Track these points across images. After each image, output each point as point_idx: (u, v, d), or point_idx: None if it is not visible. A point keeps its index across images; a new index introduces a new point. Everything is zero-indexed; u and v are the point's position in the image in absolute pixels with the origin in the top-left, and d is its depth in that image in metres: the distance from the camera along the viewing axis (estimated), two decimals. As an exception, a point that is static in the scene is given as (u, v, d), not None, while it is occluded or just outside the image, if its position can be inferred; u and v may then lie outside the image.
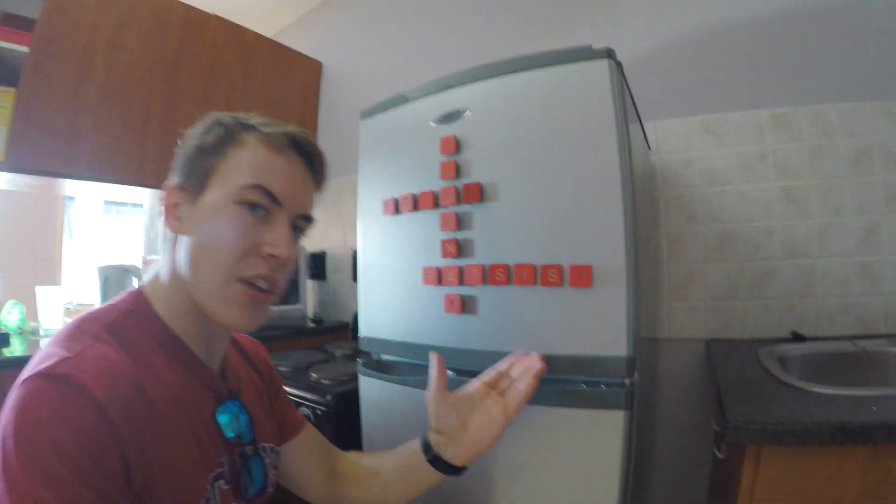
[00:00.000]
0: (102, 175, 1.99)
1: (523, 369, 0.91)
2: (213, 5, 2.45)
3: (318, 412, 1.37)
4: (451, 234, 1.06)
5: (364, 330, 1.24)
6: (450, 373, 0.93)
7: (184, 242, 0.69)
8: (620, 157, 0.90)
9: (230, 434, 0.72)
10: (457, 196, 1.05)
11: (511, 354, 0.94)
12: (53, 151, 1.82)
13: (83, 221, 3.40)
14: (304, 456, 0.94)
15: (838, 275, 1.49)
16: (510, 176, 1.00)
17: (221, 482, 0.69)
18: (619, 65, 0.96)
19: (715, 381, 1.13)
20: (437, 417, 0.89)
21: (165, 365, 0.66)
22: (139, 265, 2.53)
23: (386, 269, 1.19)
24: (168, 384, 0.64)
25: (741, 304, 1.61)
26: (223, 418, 0.72)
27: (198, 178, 0.69)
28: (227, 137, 0.70)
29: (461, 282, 1.04)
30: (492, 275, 1.00)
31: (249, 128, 0.71)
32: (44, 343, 1.83)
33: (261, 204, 0.68)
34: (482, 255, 1.02)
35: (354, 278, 2.46)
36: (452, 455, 0.87)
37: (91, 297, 2.53)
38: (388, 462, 0.94)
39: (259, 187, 0.68)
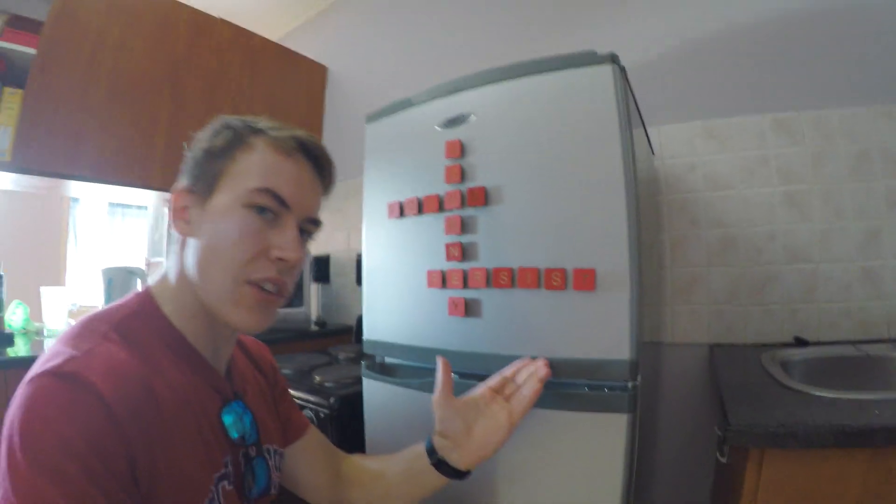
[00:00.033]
0: (108, 177, 2.01)
1: (528, 375, 0.91)
2: (219, 9, 2.47)
3: (322, 415, 1.38)
4: (455, 238, 1.06)
5: (368, 333, 1.25)
6: (454, 376, 0.93)
7: (192, 245, 0.69)
8: (624, 162, 0.91)
9: (234, 435, 0.72)
10: (461, 200, 1.05)
11: (517, 361, 0.95)
12: (59, 153, 1.84)
13: (88, 223, 3.41)
14: (308, 458, 0.94)
15: (840, 279, 1.49)
16: (515, 180, 1.01)
17: (225, 483, 0.69)
18: (622, 70, 0.97)
19: (717, 386, 1.13)
20: (443, 421, 0.89)
21: (172, 365, 0.66)
22: (143, 267, 2.54)
23: (390, 272, 1.20)
24: (174, 384, 0.64)
25: (744, 309, 1.61)
26: (228, 419, 0.72)
27: (206, 182, 0.70)
28: (236, 141, 0.70)
29: (465, 285, 1.04)
30: (496, 278, 1.00)
31: (258, 131, 0.71)
32: (48, 343, 1.85)
33: (269, 207, 0.69)
34: (486, 259, 1.03)
35: (358, 282, 2.48)
36: (457, 459, 0.88)
37: (95, 299, 2.54)
38: (393, 465, 0.94)
39: (267, 191, 0.68)
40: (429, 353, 1.09)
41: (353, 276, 2.55)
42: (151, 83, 2.12)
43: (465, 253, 1.05)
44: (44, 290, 2.16)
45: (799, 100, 1.55)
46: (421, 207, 1.12)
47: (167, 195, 2.29)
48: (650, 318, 1.25)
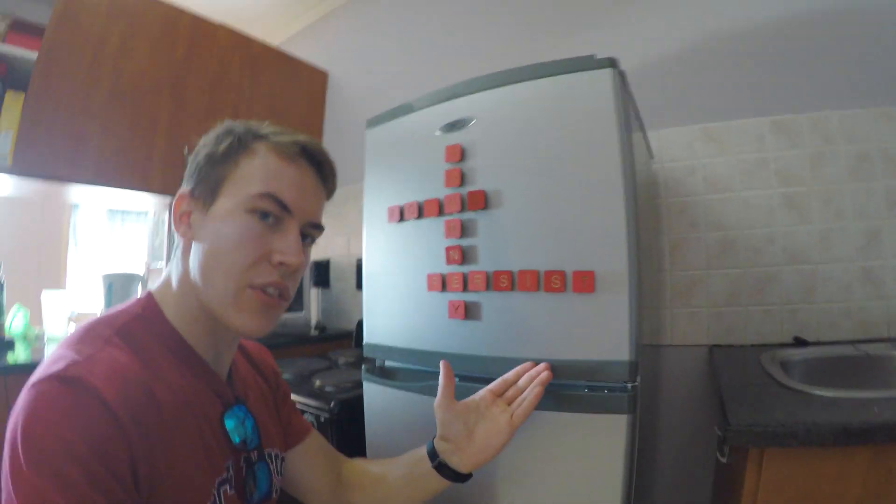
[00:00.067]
0: (109, 181, 2.01)
1: (530, 378, 0.92)
2: (219, 14, 2.47)
3: (322, 419, 1.38)
4: (455, 241, 1.07)
5: (368, 336, 1.25)
6: (454, 379, 0.93)
7: (195, 250, 0.70)
8: (623, 165, 0.91)
9: (236, 439, 0.73)
10: (461, 203, 1.06)
11: (519, 366, 0.95)
12: (61, 156, 1.84)
13: (88, 229, 3.42)
14: (310, 462, 0.94)
15: (840, 280, 1.49)
16: (514, 184, 1.01)
17: (227, 487, 0.69)
18: (621, 74, 0.97)
19: (717, 387, 1.14)
20: (444, 425, 0.90)
21: (174, 369, 0.67)
22: (144, 273, 2.54)
23: (391, 276, 1.20)
24: (177, 389, 0.65)
25: (743, 310, 1.62)
26: (230, 423, 0.73)
27: (209, 187, 0.70)
28: (239, 146, 0.71)
29: (465, 288, 1.05)
30: (496, 281, 1.01)
31: (260, 137, 0.72)
32: (48, 348, 1.85)
33: (271, 212, 0.69)
34: (486, 262, 1.03)
35: (358, 286, 2.49)
36: (458, 462, 0.88)
37: (95, 305, 2.54)
38: (394, 469, 0.94)
39: (270, 196, 0.69)
40: (429, 357, 1.10)
41: (353, 281, 2.56)
42: (152, 87, 2.12)
43: (464, 256, 1.06)
44: (45, 294, 2.16)
45: (798, 102, 1.56)
46: (421, 211, 1.12)
47: (168, 200, 2.32)
48: (649, 321, 1.26)
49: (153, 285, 0.75)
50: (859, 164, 1.48)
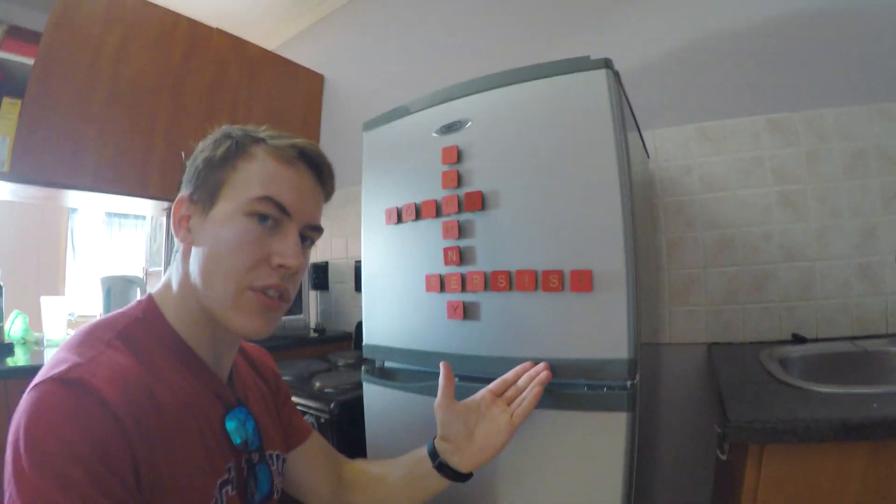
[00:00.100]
0: (106, 186, 2.01)
1: (529, 379, 0.92)
2: (216, 19, 2.48)
3: (322, 420, 1.38)
4: (453, 242, 1.07)
5: (368, 337, 1.25)
6: (454, 378, 0.94)
7: (195, 253, 0.70)
8: (619, 165, 0.92)
9: (237, 441, 0.73)
10: (458, 204, 1.06)
11: (518, 366, 0.96)
12: (58, 162, 1.84)
13: (86, 233, 3.42)
14: (311, 463, 0.94)
15: (837, 277, 1.50)
16: (511, 184, 1.02)
17: (228, 488, 0.69)
18: (616, 74, 0.98)
19: (717, 384, 1.14)
20: (444, 425, 0.90)
21: (175, 372, 0.67)
22: (142, 277, 2.54)
23: (389, 277, 1.20)
24: (177, 391, 0.65)
25: (741, 308, 1.62)
26: (231, 425, 0.73)
27: (208, 191, 0.70)
28: (237, 150, 0.71)
29: (463, 289, 1.05)
30: (494, 281, 1.01)
31: (258, 140, 0.72)
32: (47, 353, 1.85)
33: (270, 215, 0.69)
34: (484, 262, 1.04)
35: (357, 288, 2.49)
36: (459, 462, 0.88)
37: (94, 309, 2.54)
38: (395, 469, 0.95)
39: (268, 199, 0.69)
40: (428, 357, 1.10)
41: (352, 283, 2.56)
42: (149, 92, 2.13)
43: (462, 257, 1.06)
44: (44, 299, 2.17)
45: (793, 100, 1.57)
46: (419, 213, 1.13)
47: (166, 205, 2.32)
48: (648, 320, 1.26)
49: (153, 288, 0.75)
50: (855, 161, 1.49)
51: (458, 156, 1.08)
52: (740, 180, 1.63)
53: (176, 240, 0.73)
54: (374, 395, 1.22)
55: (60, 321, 2.16)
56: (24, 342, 2.06)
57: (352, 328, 2.43)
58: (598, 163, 0.93)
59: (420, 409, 1.07)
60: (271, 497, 0.80)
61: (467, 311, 1.05)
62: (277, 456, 0.85)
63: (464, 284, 1.05)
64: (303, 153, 0.74)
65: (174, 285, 0.73)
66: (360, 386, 1.27)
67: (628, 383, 0.90)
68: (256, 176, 0.70)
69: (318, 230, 0.78)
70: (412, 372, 1.17)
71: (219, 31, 2.43)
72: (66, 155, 1.86)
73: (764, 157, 1.60)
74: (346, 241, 2.69)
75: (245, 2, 2.83)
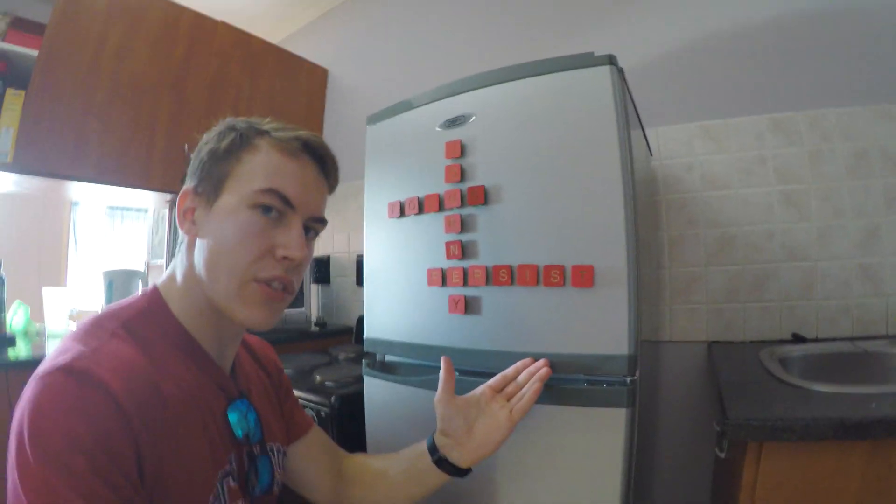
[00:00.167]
0: (109, 178, 2.01)
1: (529, 374, 0.92)
2: (220, 12, 2.47)
3: (323, 414, 1.39)
4: (455, 237, 1.07)
5: (369, 331, 1.26)
6: (455, 372, 0.94)
7: (199, 246, 0.70)
8: (622, 162, 0.92)
9: (239, 433, 0.73)
10: (461, 199, 1.07)
11: (518, 362, 0.96)
12: (61, 154, 1.84)
13: (88, 226, 3.42)
14: (311, 457, 0.95)
15: (838, 277, 1.50)
16: (514, 179, 1.02)
17: (230, 480, 0.70)
18: (620, 71, 0.98)
19: (716, 383, 1.14)
20: (444, 420, 0.90)
21: (179, 363, 0.67)
22: (144, 269, 2.55)
23: (391, 271, 1.21)
24: (181, 382, 0.65)
25: (742, 307, 1.63)
26: (233, 417, 0.73)
27: (212, 183, 0.71)
28: (241, 142, 0.71)
29: (465, 283, 1.05)
30: (495, 276, 1.01)
31: (263, 133, 0.72)
32: (49, 344, 1.85)
33: (274, 207, 0.70)
34: (486, 257, 1.04)
35: (358, 282, 2.50)
36: (458, 457, 0.89)
37: (95, 302, 2.54)
38: (395, 464, 0.95)
39: (273, 191, 0.69)
40: (429, 351, 1.10)
41: (353, 277, 2.56)
42: (152, 85, 2.13)
43: (464, 251, 1.06)
44: (45, 290, 2.17)
45: (796, 100, 1.57)
46: (421, 207, 1.13)
47: (168, 197, 2.32)
48: (648, 317, 1.26)
49: (158, 280, 0.76)
50: (857, 161, 1.49)
51: (461, 150, 1.08)
52: (742, 179, 1.63)
53: (180, 232, 0.73)
54: (375, 389, 1.23)
55: (62, 313, 2.16)
56: (26, 333, 2.06)
57: (353, 322, 2.43)
58: (601, 159, 0.93)
59: (421, 403, 1.07)
60: (271, 490, 0.81)
61: (469, 306, 1.05)
62: (278, 449, 0.85)
63: (465, 279, 1.05)
64: (307, 145, 0.74)
65: (179, 277, 0.73)
66: (360, 380, 1.27)
67: (628, 379, 0.90)
68: (260, 168, 0.70)
69: (322, 222, 0.78)
70: (413, 366, 1.17)
71: (223, 24, 2.43)
72: (69, 146, 1.86)
73: (766, 156, 1.60)
74: (349, 235, 2.69)
75: (249, -4, 2.83)
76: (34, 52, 1.79)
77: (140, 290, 1.87)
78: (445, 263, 1.09)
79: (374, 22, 2.77)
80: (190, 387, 0.67)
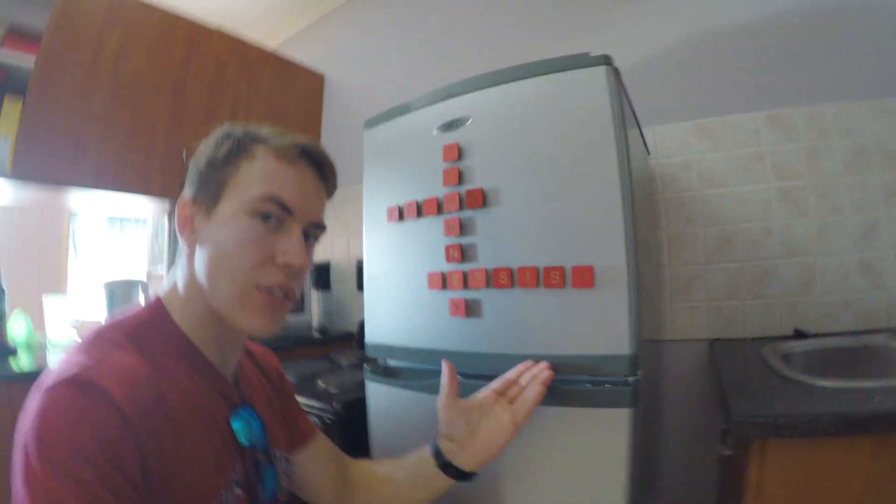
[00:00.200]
0: (109, 185, 2.02)
1: (531, 377, 0.92)
2: (216, 19, 2.48)
3: (326, 420, 1.38)
4: (454, 240, 1.08)
5: (370, 336, 1.26)
6: (457, 376, 0.94)
7: (199, 254, 0.70)
8: (619, 161, 0.92)
9: (243, 441, 0.73)
10: (460, 202, 1.07)
11: (520, 364, 0.96)
12: (60, 161, 1.85)
13: (87, 237, 3.42)
14: (316, 464, 0.95)
15: (838, 272, 1.50)
16: (512, 181, 1.02)
17: (235, 488, 0.69)
18: (616, 71, 0.98)
19: (719, 380, 1.14)
20: (448, 424, 0.91)
21: (182, 372, 0.67)
22: (144, 279, 2.55)
23: (391, 276, 1.21)
24: (185, 391, 0.65)
25: (743, 304, 1.62)
26: (237, 425, 0.73)
27: (211, 191, 0.71)
28: (239, 150, 0.71)
29: (465, 286, 1.06)
30: (495, 278, 1.01)
31: (260, 140, 0.72)
32: (51, 355, 1.85)
33: (273, 214, 0.69)
34: (485, 260, 1.04)
35: (359, 288, 2.49)
36: (462, 461, 0.89)
37: (97, 312, 2.55)
38: (400, 469, 0.95)
39: (271, 198, 0.69)
40: (431, 355, 1.10)
41: (354, 283, 2.56)
42: (151, 92, 2.13)
43: (464, 254, 1.06)
44: (46, 301, 2.17)
45: (793, 96, 1.57)
46: (420, 211, 1.13)
47: (167, 204, 2.32)
48: (649, 316, 1.26)
49: (159, 290, 0.76)
50: (855, 157, 1.49)
51: (458, 153, 1.08)
52: (740, 176, 1.63)
53: (180, 241, 0.73)
54: (378, 394, 1.23)
55: (63, 322, 2.16)
56: (28, 344, 2.06)
57: (354, 327, 2.43)
58: (599, 159, 0.94)
59: (423, 407, 1.07)
60: (277, 498, 0.80)
61: (469, 309, 1.05)
62: (283, 456, 0.85)
63: (466, 282, 1.05)
64: (304, 151, 0.74)
65: (180, 286, 0.73)
66: (363, 385, 1.27)
67: (630, 379, 0.90)
68: (258, 175, 0.70)
69: (322, 227, 0.78)
70: (415, 370, 1.17)
71: (218, 32, 2.44)
72: (67, 153, 1.86)
73: (764, 153, 1.60)
74: (348, 240, 2.69)
75: (246, 1, 2.83)
76: (31, 60, 1.79)
77: (142, 301, 1.86)
78: (445, 267, 1.09)
79: (369, 26, 2.77)
80: (193, 395, 0.67)
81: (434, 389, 0.93)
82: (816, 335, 1.45)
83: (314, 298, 2.65)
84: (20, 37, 1.87)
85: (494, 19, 2.22)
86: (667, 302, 1.71)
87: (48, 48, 1.81)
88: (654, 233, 1.67)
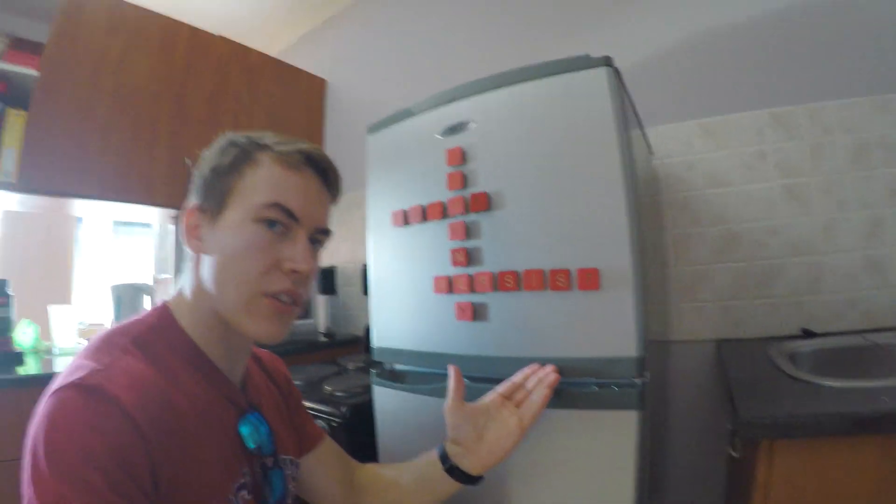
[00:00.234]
0: (112, 194, 2.03)
1: (538, 381, 0.93)
2: (218, 24, 2.49)
3: (334, 424, 1.38)
4: (460, 244, 1.08)
5: (377, 340, 1.26)
6: (464, 379, 0.94)
7: (206, 262, 0.71)
8: (623, 162, 0.92)
9: (251, 445, 0.73)
10: (464, 206, 1.07)
11: (526, 367, 0.96)
12: (65, 172, 1.86)
13: (93, 242, 3.43)
14: (323, 468, 0.95)
15: (845, 270, 1.49)
16: (516, 184, 1.02)
17: (244, 492, 0.70)
18: (617, 72, 0.98)
19: (726, 380, 1.14)
20: (454, 428, 0.91)
21: (190, 377, 0.68)
22: (151, 284, 2.56)
23: (397, 280, 1.21)
24: (193, 396, 0.66)
25: (749, 304, 1.62)
26: (245, 430, 0.73)
27: (216, 199, 0.71)
28: (243, 158, 0.72)
29: (471, 289, 1.06)
30: (501, 281, 1.01)
31: (263, 147, 0.73)
32: (57, 361, 1.86)
33: (279, 220, 0.70)
34: (491, 263, 1.04)
35: (365, 292, 2.47)
36: (469, 465, 0.89)
37: (103, 317, 2.56)
38: (406, 473, 0.95)
39: (276, 205, 0.70)
40: (438, 358, 1.10)
41: (360, 287, 2.56)
42: (153, 100, 2.14)
43: (470, 258, 1.06)
44: (52, 309, 2.18)
45: (795, 93, 1.56)
46: (425, 215, 1.13)
47: (172, 212, 2.33)
48: (656, 317, 1.26)
49: (166, 296, 0.76)
50: (859, 153, 1.48)
51: (462, 157, 1.08)
52: (744, 175, 1.63)
53: (187, 249, 0.74)
54: (385, 398, 1.23)
55: (70, 329, 2.17)
56: (35, 351, 2.07)
57: (360, 331, 2.43)
58: (602, 160, 0.94)
59: (430, 411, 1.07)
60: (284, 501, 0.81)
61: (476, 312, 1.05)
62: (291, 461, 0.85)
63: (472, 285, 1.05)
64: (308, 158, 0.74)
65: (187, 293, 0.74)
66: (370, 389, 1.27)
67: (638, 381, 0.90)
68: (263, 182, 0.70)
69: (327, 233, 0.78)
70: (422, 374, 1.17)
71: (220, 38, 2.45)
72: (72, 165, 1.87)
73: (767, 151, 1.60)
74: (353, 244, 2.69)
75: (247, 7, 2.84)
76: (34, 72, 1.81)
77: (149, 306, 1.87)
78: (451, 271, 1.09)
79: (371, 31, 2.78)
80: (201, 401, 0.67)
81: (441, 393, 0.94)
82: (824, 334, 1.45)
83: (321, 303, 2.66)
84: (22, 49, 1.88)
85: (495, 21, 2.23)
86: (673, 302, 1.71)
87: (50, 59, 1.82)
88: (659, 233, 1.67)
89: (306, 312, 2.42)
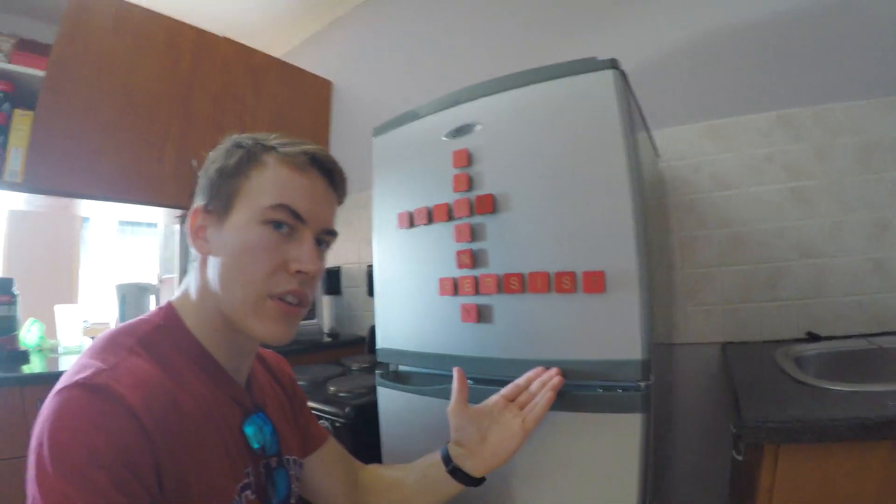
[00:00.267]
0: (119, 195, 2.03)
1: (542, 383, 0.93)
2: (225, 26, 2.50)
3: (337, 424, 1.39)
4: (465, 245, 1.08)
5: (382, 341, 1.26)
6: (468, 382, 0.94)
7: (213, 263, 0.71)
8: (629, 165, 0.92)
9: (256, 446, 0.74)
10: (470, 208, 1.07)
11: (530, 370, 0.96)
12: (71, 172, 1.87)
13: (99, 242, 3.45)
14: (327, 468, 0.95)
15: (851, 273, 1.48)
16: (521, 186, 1.02)
17: (248, 492, 0.70)
18: (623, 74, 0.98)
19: (731, 384, 1.13)
20: (458, 430, 0.91)
21: (195, 378, 0.68)
22: (156, 283, 2.57)
23: (402, 281, 1.21)
24: (198, 396, 0.66)
25: (756, 307, 1.61)
26: (249, 430, 0.74)
27: (222, 201, 0.71)
28: (249, 159, 0.72)
29: (477, 291, 1.06)
30: (506, 284, 1.01)
31: (269, 148, 0.73)
32: (63, 360, 1.87)
33: (285, 222, 0.70)
34: (496, 265, 1.04)
35: (369, 293, 2.50)
36: (472, 467, 0.89)
37: (108, 316, 2.57)
38: (409, 474, 0.95)
39: (283, 206, 0.70)
40: (442, 360, 1.11)
41: (364, 288, 2.57)
42: (158, 101, 2.15)
43: (475, 260, 1.06)
44: (57, 308, 2.19)
45: (802, 95, 1.55)
46: (430, 217, 1.13)
47: (179, 212, 2.33)
48: (662, 320, 1.26)
49: (171, 296, 0.76)
50: (866, 155, 1.47)
51: (468, 159, 1.08)
52: (751, 177, 1.62)
53: (192, 250, 0.74)
54: (389, 399, 1.23)
55: (75, 329, 2.18)
56: (40, 350, 2.08)
57: (365, 332, 2.43)
58: (608, 163, 0.94)
59: (434, 413, 1.07)
60: (288, 501, 0.81)
61: (481, 314, 1.05)
62: (295, 461, 0.85)
63: (477, 287, 1.05)
64: (314, 159, 0.74)
65: (193, 293, 0.74)
66: (374, 390, 1.27)
67: (642, 384, 0.90)
68: (269, 184, 0.71)
69: (333, 234, 0.79)
70: (426, 375, 1.17)
71: (226, 39, 2.45)
72: (78, 165, 1.88)
73: (774, 153, 1.59)
74: (358, 245, 2.70)
75: (254, 9, 2.84)
76: (40, 73, 1.82)
77: (154, 306, 1.88)
78: (456, 272, 1.09)
79: (377, 33, 2.78)
80: (206, 401, 0.67)
81: (445, 395, 0.94)
82: (829, 338, 1.44)
83: (325, 303, 2.67)
84: (28, 50, 1.89)
85: (500, 23, 2.22)
86: (679, 305, 1.71)
87: (57, 60, 1.83)
88: (665, 236, 1.66)
89: (312, 313, 2.43)
